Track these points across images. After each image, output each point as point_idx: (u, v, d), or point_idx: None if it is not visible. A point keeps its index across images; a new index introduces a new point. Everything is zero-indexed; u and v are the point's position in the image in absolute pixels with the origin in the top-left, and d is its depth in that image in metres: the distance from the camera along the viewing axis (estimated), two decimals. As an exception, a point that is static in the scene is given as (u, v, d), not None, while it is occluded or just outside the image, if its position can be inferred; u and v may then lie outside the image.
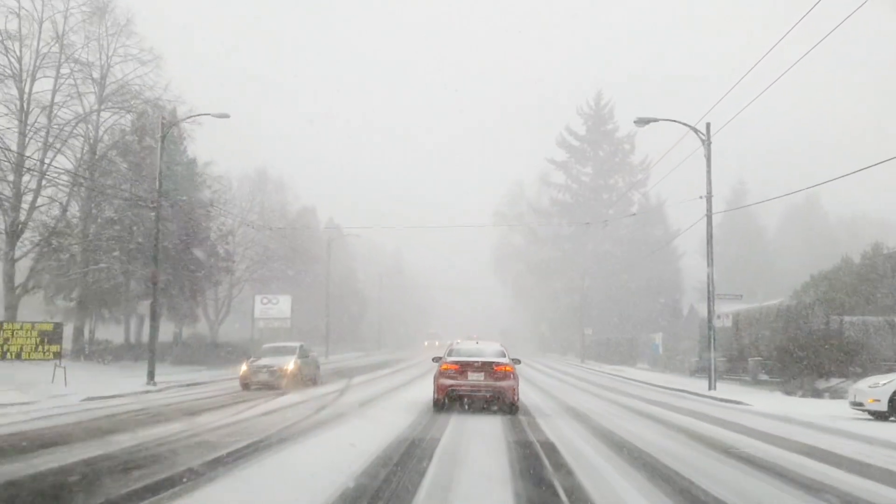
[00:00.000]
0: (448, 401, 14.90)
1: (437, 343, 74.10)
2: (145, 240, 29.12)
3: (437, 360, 16.58)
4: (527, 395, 19.30)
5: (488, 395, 14.81)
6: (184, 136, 35.62)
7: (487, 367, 14.77)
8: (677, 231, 65.17)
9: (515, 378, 15.05)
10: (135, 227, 30.96)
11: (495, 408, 15.09)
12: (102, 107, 30.85)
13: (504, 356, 15.63)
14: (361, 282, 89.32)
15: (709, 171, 22.61)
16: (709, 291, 22.66)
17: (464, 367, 14.75)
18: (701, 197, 22.61)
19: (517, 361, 16.16)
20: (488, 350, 16.11)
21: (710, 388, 22.28)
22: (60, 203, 30.04)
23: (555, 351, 71.45)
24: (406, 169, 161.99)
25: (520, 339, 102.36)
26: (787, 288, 70.70)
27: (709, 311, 22.47)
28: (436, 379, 15.17)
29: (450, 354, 15.75)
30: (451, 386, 14.75)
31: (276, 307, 52.15)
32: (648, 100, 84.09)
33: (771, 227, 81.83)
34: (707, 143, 22.46)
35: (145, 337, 34.67)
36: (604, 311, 62.14)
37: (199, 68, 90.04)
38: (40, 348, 21.13)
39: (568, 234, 64.29)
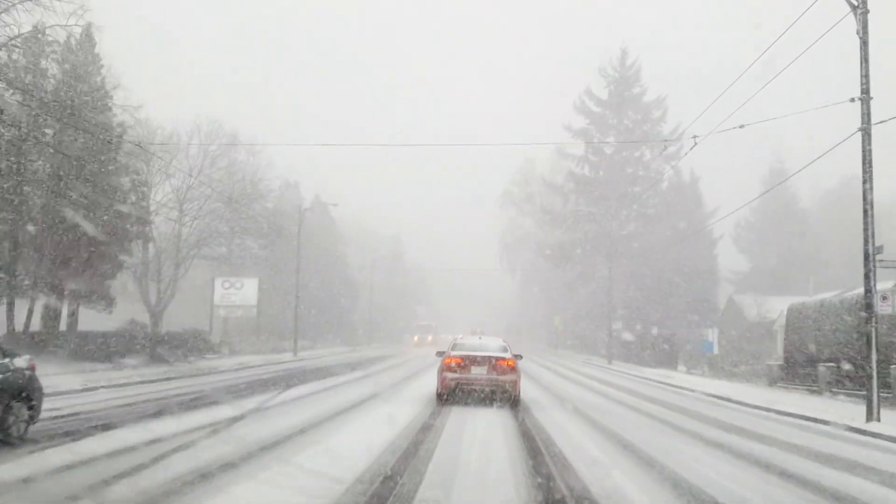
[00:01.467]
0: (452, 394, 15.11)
1: (429, 338, 64.92)
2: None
3: (441, 354, 16.71)
4: (581, 442, 11.19)
5: (491, 388, 15.09)
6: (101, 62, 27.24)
7: (490, 362, 15.17)
8: (715, 210, 56.52)
9: (517, 373, 15.44)
10: None
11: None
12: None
13: (506, 351, 16.03)
14: (355, 270, 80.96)
15: (864, 51, 13.71)
16: (868, 254, 13.47)
17: (467, 362, 15.16)
18: (853, 99, 13.70)
19: (519, 357, 16.30)
20: (491, 345, 16.55)
21: (870, 419, 13.42)
22: None
23: (569, 348, 62.72)
24: (407, 149, 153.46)
25: (528, 335, 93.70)
26: (837, 279, 62.08)
27: (867, 290, 13.51)
28: (440, 372, 15.59)
29: (454, 349, 16.11)
30: (455, 380, 15.12)
31: (239, 292, 43.72)
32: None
33: (813, 212, 72.95)
34: (861, 10, 13.60)
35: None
36: (628, 303, 53.41)
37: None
38: None
39: (587, 214, 55.50)
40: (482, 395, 15.03)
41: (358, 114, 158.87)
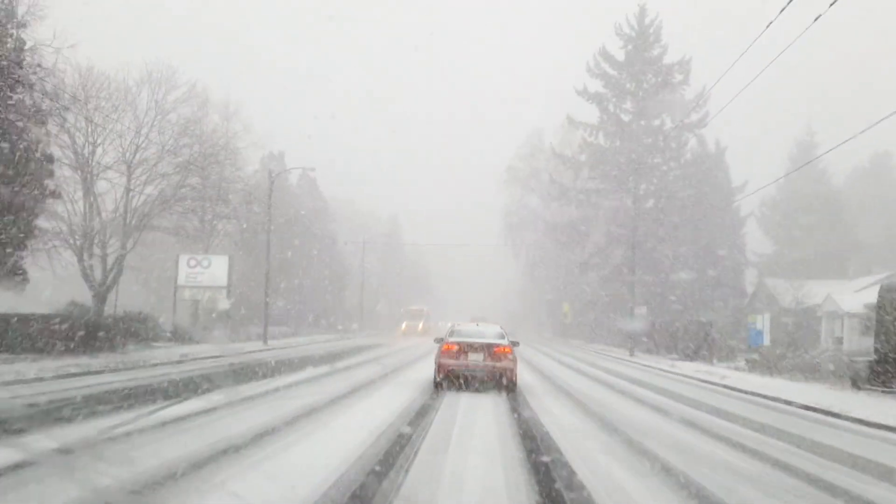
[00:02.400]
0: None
1: (419, 326, 57.85)
2: None
3: (439, 341, 16.56)
4: None
5: (487, 375, 15.16)
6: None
7: (487, 349, 15.22)
8: (743, 185, 50.89)
9: (514, 359, 15.48)
10: None
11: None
12: None
13: (503, 338, 16.01)
14: (348, 254, 75.69)
15: None
16: None
17: (464, 348, 15.22)
18: None
19: (515, 344, 16.32)
20: (488, 332, 16.56)
21: None
22: None
23: (578, 337, 57.27)
24: (405, 125, 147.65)
25: (533, 323, 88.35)
26: (876, 261, 56.52)
27: None
28: (437, 359, 15.61)
29: (451, 336, 16.06)
30: (452, 366, 15.19)
31: (206, 271, 38.28)
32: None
33: (842, 190, 67.25)
34: None
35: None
36: (647, 286, 47.91)
37: None
38: None
39: (601, 189, 49.95)
40: (479, 382, 15.28)
41: (353, 87, 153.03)
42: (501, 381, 14.96)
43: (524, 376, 20.77)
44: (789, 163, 62.88)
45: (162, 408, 10.83)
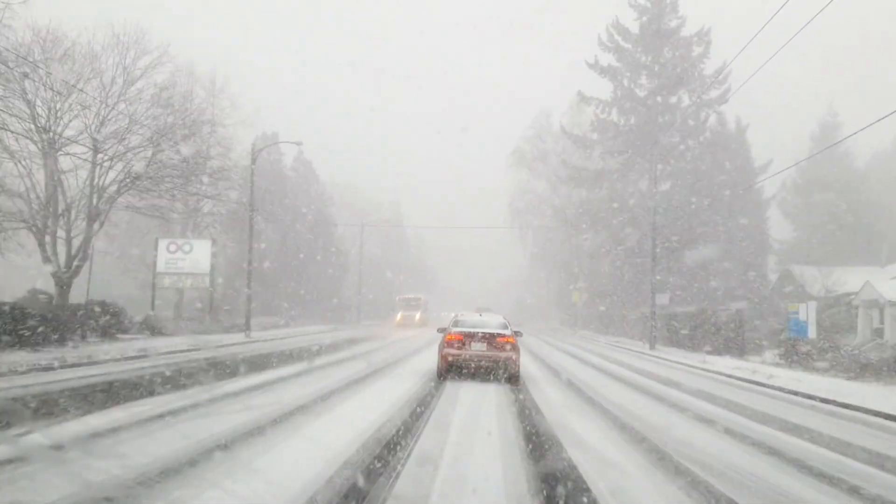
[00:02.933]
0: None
1: (416, 316, 52.92)
2: None
3: (442, 330, 16.60)
4: None
5: (490, 364, 15.07)
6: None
7: (490, 338, 15.18)
8: (767, 165, 47.57)
9: (517, 349, 15.36)
10: None
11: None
12: None
13: (506, 328, 16.00)
14: (348, 241, 72.80)
15: None
16: None
17: (467, 338, 15.19)
18: None
19: (518, 334, 16.23)
20: (491, 322, 16.43)
21: None
22: None
23: (589, 327, 54.17)
24: (409, 109, 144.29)
25: (540, 313, 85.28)
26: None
27: None
28: (440, 349, 15.61)
29: (454, 325, 15.99)
30: (455, 355, 15.10)
31: (188, 257, 35.31)
32: None
33: (865, 174, 63.77)
34: None
35: None
36: (664, 274, 44.73)
37: None
38: None
39: (615, 169, 46.72)
40: (482, 371, 15.24)
41: (352, 68, 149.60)
42: (504, 371, 14.99)
43: (531, 370, 17.83)
44: (811, 143, 59.58)
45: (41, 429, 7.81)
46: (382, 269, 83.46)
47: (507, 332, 15.69)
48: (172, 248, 35.42)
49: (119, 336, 24.92)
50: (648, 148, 44.89)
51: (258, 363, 18.25)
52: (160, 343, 23.48)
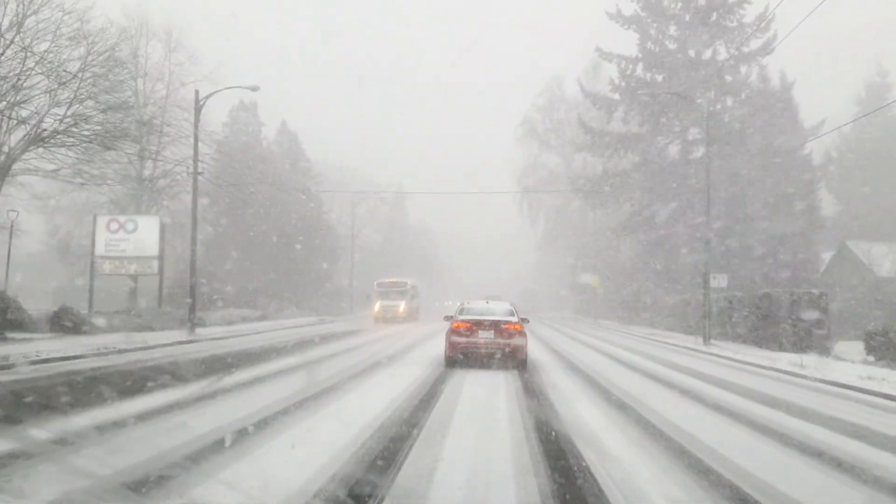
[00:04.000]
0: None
1: (400, 308, 40.63)
2: None
3: (448, 318, 16.50)
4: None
5: (498, 352, 15.01)
6: None
7: (497, 326, 15.06)
8: (818, 125, 41.00)
9: (524, 335, 15.27)
10: None
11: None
12: None
13: (513, 315, 15.88)
14: (345, 227, 66.75)
15: None
16: None
17: (474, 326, 15.08)
18: None
19: (525, 321, 16.22)
20: (498, 309, 16.40)
21: None
22: None
23: (609, 316, 47.89)
24: (410, 81, 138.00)
25: (550, 302, 79.11)
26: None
27: None
28: (448, 337, 15.42)
29: (461, 313, 15.88)
30: (462, 343, 15.03)
31: (131, 237, 29.35)
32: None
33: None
34: None
35: None
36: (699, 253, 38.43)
37: None
38: None
39: (641, 134, 40.26)
40: (489, 359, 14.93)
41: (348, 40, 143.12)
42: (512, 358, 14.89)
43: (558, 380, 11.84)
44: (857, 108, 53.07)
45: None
46: (383, 256, 77.43)
47: (514, 319, 15.58)
48: (114, 226, 29.41)
49: (9, 336, 18.89)
50: (680, 108, 38.61)
51: (126, 384, 12.13)
52: (57, 345, 17.43)
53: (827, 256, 41.58)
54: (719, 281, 23.99)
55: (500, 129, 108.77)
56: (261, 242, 46.66)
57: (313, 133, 62.48)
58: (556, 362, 17.35)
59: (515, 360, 14.80)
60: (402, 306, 40.68)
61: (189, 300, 24.24)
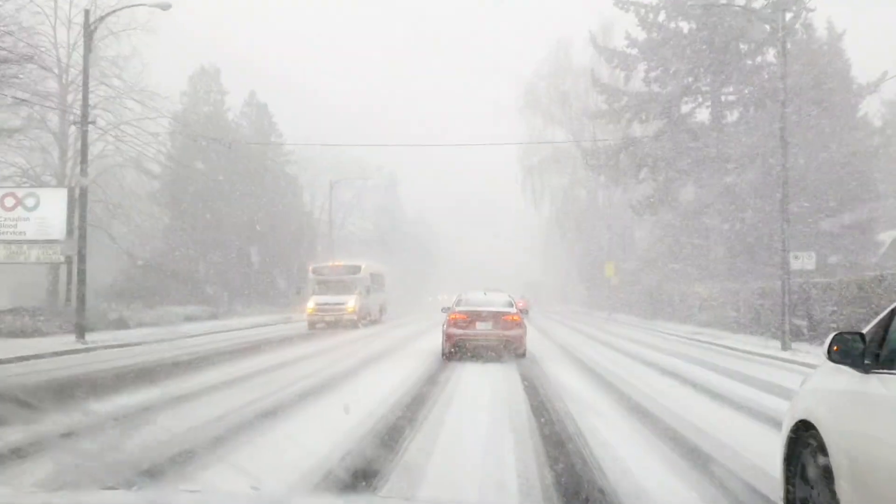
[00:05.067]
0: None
1: (348, 305, 27.68)
2: None
3: (445, 310, 15.77)
4: None
5: (496, 343, 14.68)
6: None
7: (496, 317, 14.74)
8: (879, 81, 34.70)
9: (523, 327, 15.01)
10: None
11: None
12: None
13: (512, 306, 15.47)
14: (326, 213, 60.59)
15: None
16: None
17: (472, 317, 14.77)
18: None
19: (525, 312, 16.79)
20: (497, 300, 15.87)
21: None
22: None
23: (624, 310, 41.64)
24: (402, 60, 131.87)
25: (557, 293, 73.03)
26: None
27: None
28: (444, 329, 14.97)
29: (458, 304, 15.59)
30: (460, 335, 14.64)
31: (32, 215, 23.20)
32: None
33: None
34: None
35: None
36: (734, 237, 32.24)
37: None
38: None
39: (665, 94, 33.93)
40: (487, 351, 14.62)
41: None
42: (510, 350, 14.51)
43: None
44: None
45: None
46: (374, 247, 71.24)
47: (513, 310, 15.15)
48: (9, 201, 23.24)
49: None
50: (711, 63, 32.40)
51: None
52: None
53: (886, 237, 35.31)
54: (803, 261, 17.76)
55: (501, 102, 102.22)
56: (225, 230, 40.55)
57: (291, 109, 56.31)
58: (590, 384, 11.24)
59: (514, 353, 14.52)
60: (350, 303, 27.38)
61: (73, 297, 18.02)
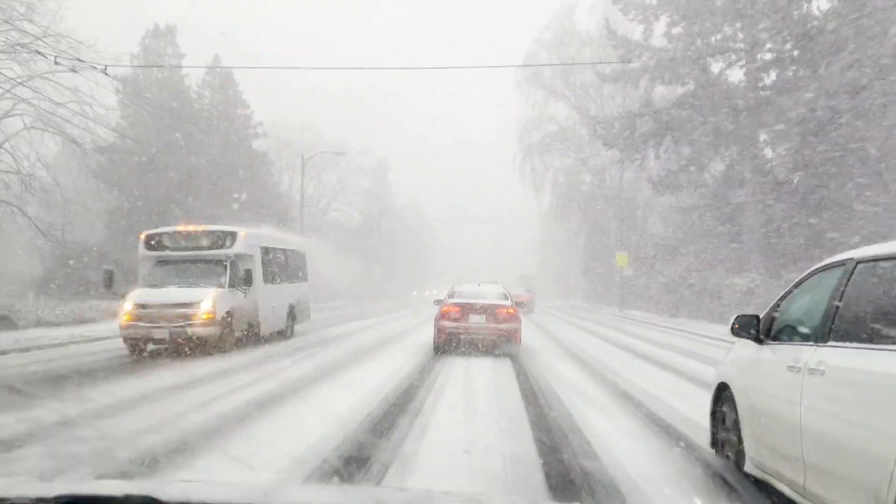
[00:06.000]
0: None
1: (199, 311, 13.40)
2: None
3: (438, 302, 15.48)
4: None
5: (490, 337, 14.06)
6: None
7: (489, 310, 14.14)
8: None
9: (518, 320, 14.33)
10: None
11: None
12: None
13: (507, 298, 14.92)
14: (313, 202, 55.67)
15: None
16: None
17: (465, 310, 14.15)
18: None
19: (520, 305, 15.65)
20: (491, 293, 15.40)
21: None
22: None
23: (637, 305, 36.51)
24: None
25: (558, 286, 67.95)
26: None
27: None
28: (436, 321, 14.42)
29: (451, 297, 15.07)
30: (452, 329, 14.09)
31: None
32: None
33: None
34: None
35: None
36: (778, 221, 27.03)
37: None
38: None
39: (692, 50, 28.64)
40: (481, 345, 13.96)
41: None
42: (505, 344, 13.87)
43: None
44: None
45: None
46: (363, 239, 66.09)
47: (508, 302, 14.55)
48: None
49: None
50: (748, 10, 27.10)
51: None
52: None
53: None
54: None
55: (497, 80, 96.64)
56: (182, 213, 35.28)
57: (266, 87, 50.94)
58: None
59: (509, 347, 13.89)
60: (205, 303, 13.73)
61: None
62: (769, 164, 28.80)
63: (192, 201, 35.54)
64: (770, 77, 29.26)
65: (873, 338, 3.41)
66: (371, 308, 39.06)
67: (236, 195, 36.49)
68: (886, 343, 3.26)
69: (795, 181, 26.93)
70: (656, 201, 39.73)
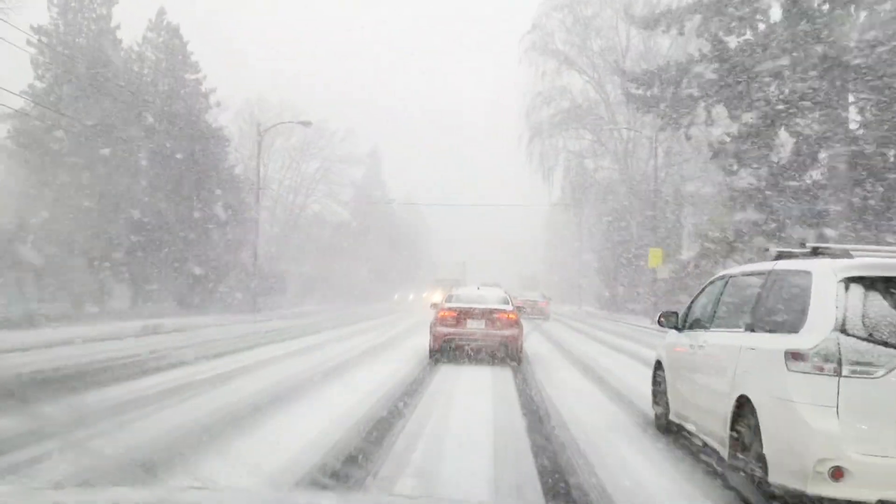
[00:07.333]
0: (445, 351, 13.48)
1: None
2: None
3: (435, 306, 14.98)
4: None
5: (489, 344, 13.49)
6: None
7: (489, 315, 13.60)
8: None
9: (520, 326, 13.73)
10: None
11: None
12: None
13: (507, 303, 14.30)
14: (294, 192, 49.01)
15: None
16: None
17: (463, 315, 13.67)
18: None
19: (521, 310, 14.74)
20: (490, 297, 14.83)
21: None
22: None
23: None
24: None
25: (568, 290, 61.23)
26: None
27: None
28: (432, 327, 13.90)
29: (448, 301, 14.50)
30: (449, 335, 13.55)
31: None
32: None
33: None
34: None
35: None
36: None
37: None
38: None
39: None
40: (480, 352, 13.45)
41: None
42: (506, 352, 13.29)
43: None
44: None
45: None
46: (353, 237, 59.35)
47: (509, 307, 13.98)
48: None
49: None
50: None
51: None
52: None
53: None
54: None
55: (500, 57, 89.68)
56: (113, 196, 28.61)
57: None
58: None
59: (509, 354, 13.27)
60: None
61: None
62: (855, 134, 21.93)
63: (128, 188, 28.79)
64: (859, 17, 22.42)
65: (729, 324, 5.77)
66: (337, 318, 31.49)
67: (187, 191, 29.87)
68: (732, 327, 5.61)
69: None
70: (686, 189, 33.11)
